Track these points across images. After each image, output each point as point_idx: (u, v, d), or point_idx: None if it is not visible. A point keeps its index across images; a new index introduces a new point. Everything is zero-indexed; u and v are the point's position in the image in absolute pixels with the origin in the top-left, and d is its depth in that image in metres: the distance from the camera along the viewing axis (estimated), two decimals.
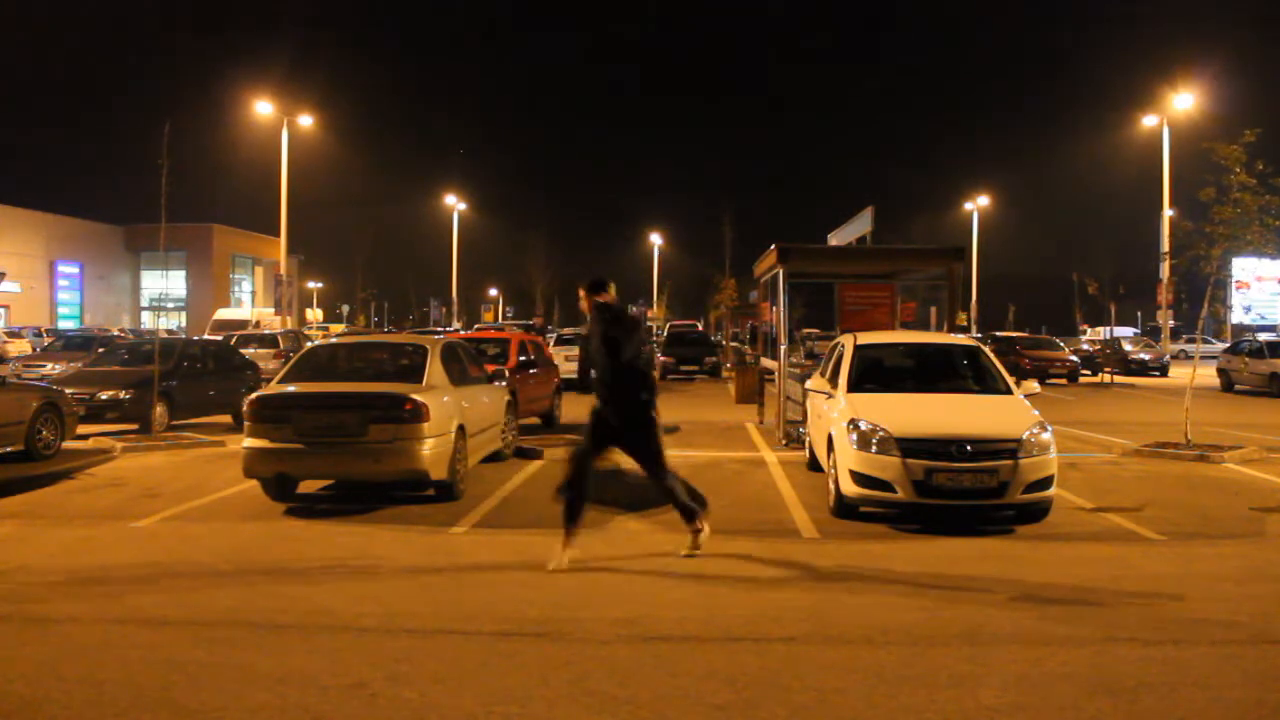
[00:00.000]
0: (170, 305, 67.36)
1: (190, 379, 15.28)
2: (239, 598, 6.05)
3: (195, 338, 24.96)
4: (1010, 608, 5.89)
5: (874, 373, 9.45)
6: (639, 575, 6.57)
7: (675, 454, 12.48)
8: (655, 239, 68.90)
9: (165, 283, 67.82)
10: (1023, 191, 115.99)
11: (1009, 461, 7.77)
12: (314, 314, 69.35)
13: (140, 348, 16.39)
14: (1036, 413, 8.39)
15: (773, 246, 13.47)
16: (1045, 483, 7.93)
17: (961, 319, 38.83)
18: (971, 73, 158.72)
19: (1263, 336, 28.03)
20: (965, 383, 9.43)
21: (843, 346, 10.09)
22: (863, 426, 8.13)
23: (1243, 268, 49.84)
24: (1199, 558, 7.27)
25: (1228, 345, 32.27)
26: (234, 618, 5.59)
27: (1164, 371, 33.96)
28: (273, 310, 44.26)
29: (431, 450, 8.65)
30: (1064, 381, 28.37)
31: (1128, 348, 35.82)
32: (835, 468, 8.43)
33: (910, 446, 7.85)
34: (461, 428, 9.31)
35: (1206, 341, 41.26)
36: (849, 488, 8.14)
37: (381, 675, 4.62)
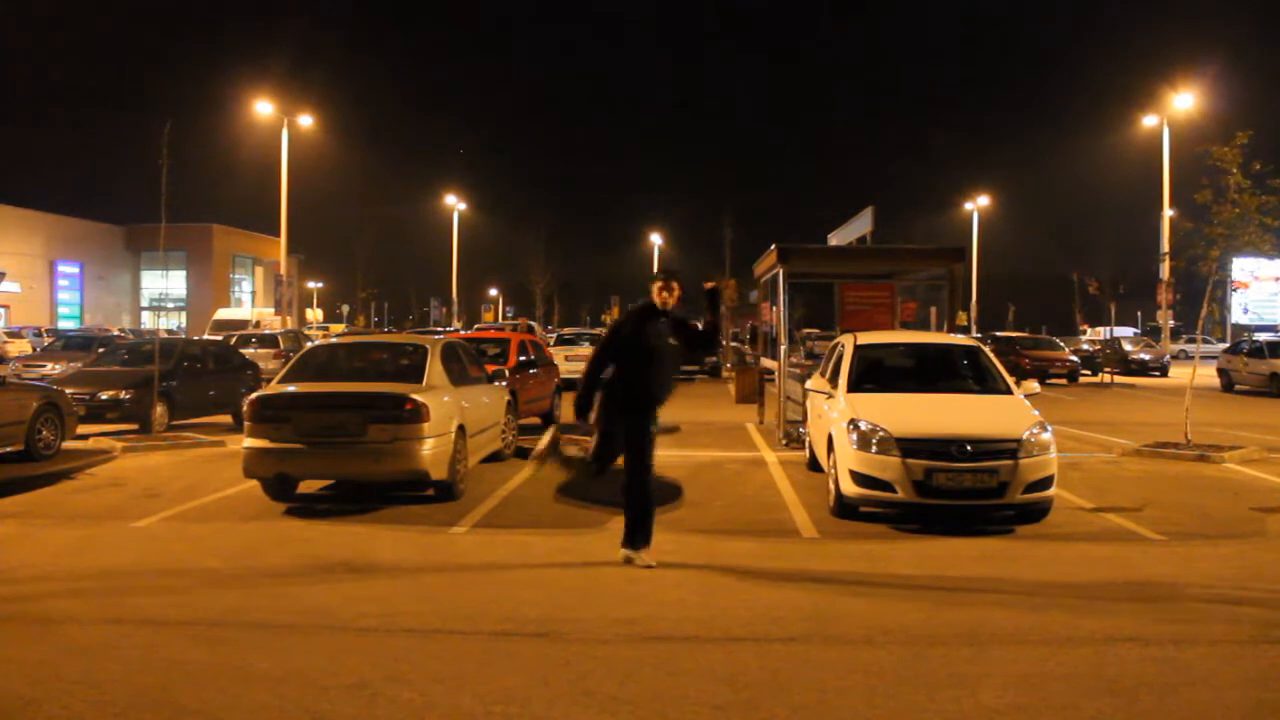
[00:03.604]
0: (170, 305, 67.37)
1: (190, 379, 15.28)
2: (239, 598, 6.05)
3: (195, 338, 24.97)
4: (1010, 608, 5.89)
5: (874, 373, 9.45)
6: (639, 575, 6.57)
7: (675, 454, 12.51)
8: (655, 239, 68.86)
9: (165, 283, 67.81)
10: (1023, 191, 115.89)
11: (1009, 461, 7.77)
12: (314, 314, 69.30)
13: (140, 348, 16.38)
14: (1036, 413, 8.39)
15: (773, 246, 13.47)
16: (1045, 483, 7.93)
17: (961, 319, 38.86)
18: (972, 72, 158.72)
19: (1262, 336, 28.03)
20: (965, 383, 9.43)
21: (843, 346, 10.09)
22: (863, 426, 8.12)
23: (1242, 267, 49.81)
24: (1199, 558, 7.27)
25: (1227, 345, 32.25)
26: (234, 618, 5.58)
27: (1164, 371, 33.95)
28: (273, 310, 44.28)
29: (431, 450, 8.65)
30: (1064, 381, 28.37)
31: (1128, 348, 35.80)
32: (835, 468, 8.43)
33: (910, 446, 7.85)
34: (461, 428, 9.31)
35: (1206, 341, 41.25)
36: (849, 488, 8.14)
37: (381, 675, 4.62)
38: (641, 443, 6.62)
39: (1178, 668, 4.80)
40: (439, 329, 47.73)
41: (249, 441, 8.72)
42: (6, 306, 54.59)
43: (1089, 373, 32.16)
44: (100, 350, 18.72)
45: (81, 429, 12.56)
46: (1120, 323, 57.43)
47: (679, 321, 6.80)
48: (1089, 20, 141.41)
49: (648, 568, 6.62)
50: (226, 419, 15.58)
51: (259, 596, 6.09)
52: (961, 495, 7.81)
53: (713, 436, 14.46)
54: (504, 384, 12.02)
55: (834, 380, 9.47)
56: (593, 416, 6.64)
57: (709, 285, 6.84)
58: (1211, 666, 4.83)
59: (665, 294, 6.70)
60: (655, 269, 7.17)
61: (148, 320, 63.59)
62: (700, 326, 7.04)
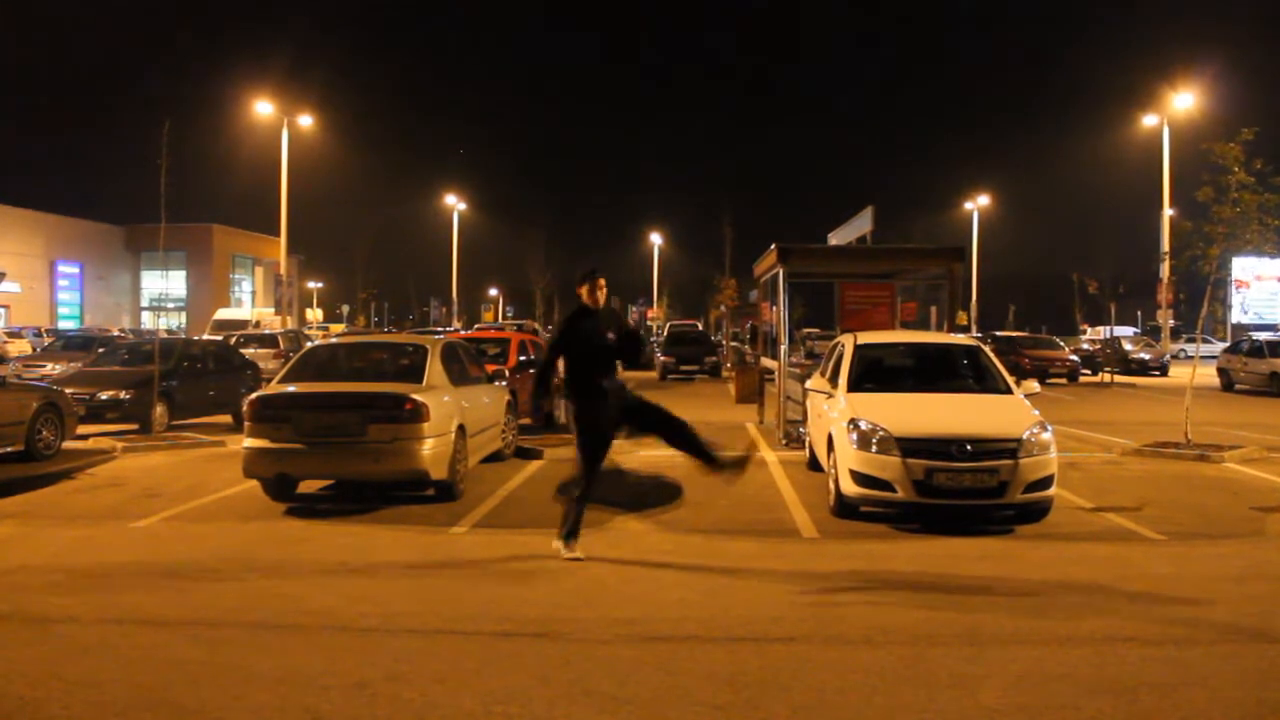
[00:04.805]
0: (170, 305, 67.37)
1: (190, 379, 15.29)
2: (239, 598, 6.05)
3: (195, 338, 24.97)
4: (1010, 607, 5.89)
5: (874, 372, 9.45)
6: (639, 575, 6.57)
7: (675, 454, 12.48)
8: (655, 239, 68.82)
9: (165, 283, 67.84)
10: (1023, 191, 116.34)
11: (1009, 461, 7.77)
12: (314, 314, 69.27)
13: (140, 348, 16.39)
14: (1036, 412, 8.39)
15: (773, 246, 13.47)
16: (1045, 482, 7.93)
17: (962, 319, 38.83)
18: (972, 72, 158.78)
19: (1262, 336, 28.00)
20: (965, 382, 9.43)
21: (843, 346, 10.09)
22: (863, 426, 8.12)
23: (1242, 267, 49.79)
24: (1199, 557, 7.27)
25: (1227, 345, 32.24)
26: (234, 618, 5.59)
27: (1164, 371, 33.95)
28: (273, 310, 44.31)
29: (431, 450, 8.66)
30: (1064, 381, 28.36)
31: (1128, 347, 35.79)
32: (835, 467, 8.43)
33: (910, 446, 7.85)
34: (461, 428, 9.31)
35: (1206, 341, 41.24)
36: (849, 487, 8.14)
37: (381, 675, 4.62)
38: (593, 431, 7.01)
39: (1178, 668, 4.80)
40: (439, 329, 47.73)
41: (249, 441, 8.72)
42: (6, 306, 54.58)
43: (1089, 372, 32.17)
44: (100, 350, 18.72)
45: (81, 429, 12.56)
46: (1120, 322, 57.34)
47: (612, 319, 7.31)
48: (1089, 20, 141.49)
49: (575, 559, 6.80)
50: (226, 419, 15.59)
51: (259, 596, 6.09)
52: (961, 495, 7.81)
53: (713, 436, 14.39)
54: (504, 384, 12.02)
55: (834, 380, 9.47)
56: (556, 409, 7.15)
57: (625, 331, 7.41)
58: (1211, 666, 4.83)
59: (594, 293, 7.15)
60: (582, 271, 7.36)
61: (148, 320, 63.57)
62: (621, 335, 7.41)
